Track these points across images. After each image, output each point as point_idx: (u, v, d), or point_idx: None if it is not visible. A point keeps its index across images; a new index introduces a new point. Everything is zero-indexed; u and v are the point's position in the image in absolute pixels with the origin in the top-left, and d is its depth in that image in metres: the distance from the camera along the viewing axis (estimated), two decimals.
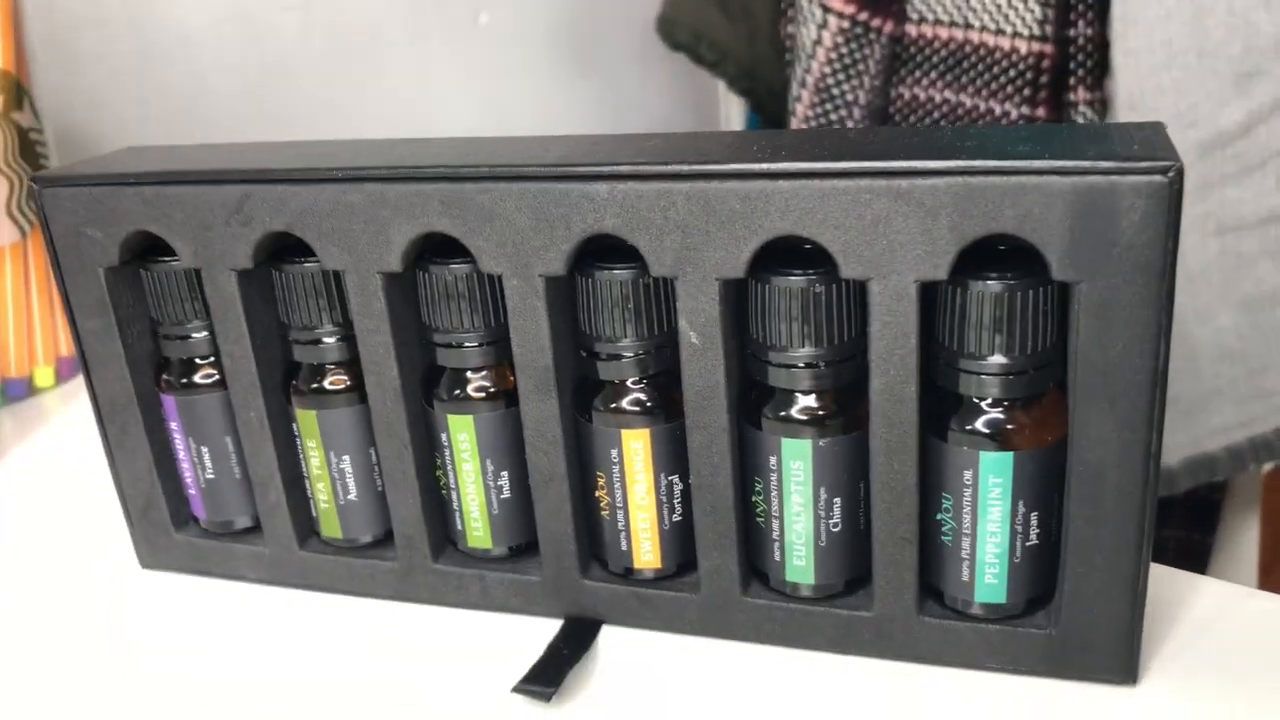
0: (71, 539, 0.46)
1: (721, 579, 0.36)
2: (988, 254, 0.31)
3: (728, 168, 0.31)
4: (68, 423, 0.58)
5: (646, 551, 0.37)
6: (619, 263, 0.34)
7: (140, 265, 0.39)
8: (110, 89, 0.77)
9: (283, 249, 0.37)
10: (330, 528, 0.40)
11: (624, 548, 0.37)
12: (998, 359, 0.31)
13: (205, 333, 0.39)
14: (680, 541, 0.37)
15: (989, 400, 0.32)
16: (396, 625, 0.39)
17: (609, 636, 0.38)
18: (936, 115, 0.99)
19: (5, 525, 0.48)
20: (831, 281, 0.32)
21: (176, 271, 0.38)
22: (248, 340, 0.38)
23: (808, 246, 0.31)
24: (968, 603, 0.34)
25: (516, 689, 0.34)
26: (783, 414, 0.34)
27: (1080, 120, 0.92)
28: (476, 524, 0.38)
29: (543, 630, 0.38)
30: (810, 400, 0.33)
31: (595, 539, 0.38)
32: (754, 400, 0.34)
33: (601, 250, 0.34)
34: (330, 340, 0.37)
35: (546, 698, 0.34)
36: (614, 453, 0.35)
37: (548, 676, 0.35)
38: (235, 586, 0.42)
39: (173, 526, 0.42)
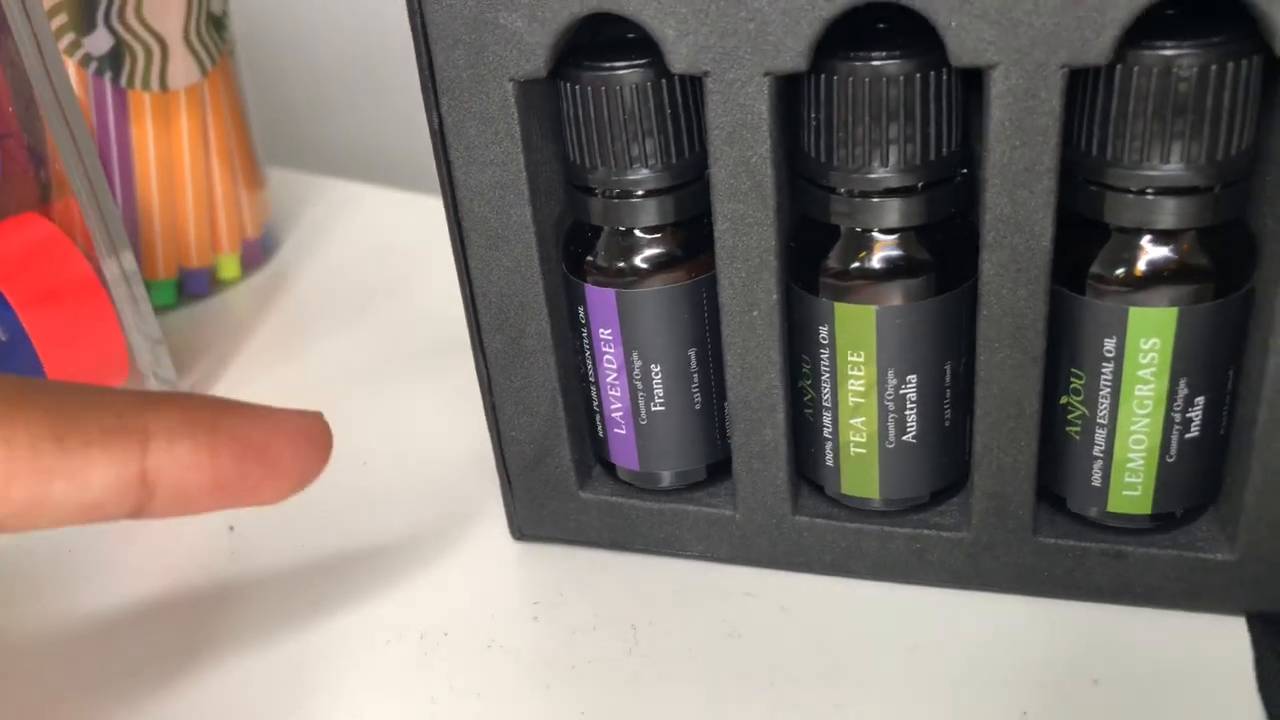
0: (362, 502, 0.33)
1: None
2: None
3: None
4: (275, 333, 0.43)
5: None
6: None
7: (564, 77, 0.24)
8: None
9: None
10: (858, 483, 0.26)
11: None
12: None
13: (668, 186, 0.25)
14: None
15: None
16: (982, 629, 0.26)
17: None
18: None
19: None
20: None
21: (637, 84, 0.24)
22: (771, 190, 0.23)
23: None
24: None
25: None
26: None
27: None
28: (1133, 479, 0.24)
29: (1190, 630, 0.25)
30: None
31: None
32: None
33: None
34: (901, 191, 0.23)
35: None
36: None
37: None
38: (662, 566, 0.28)
39: (576, 482, 0.29)
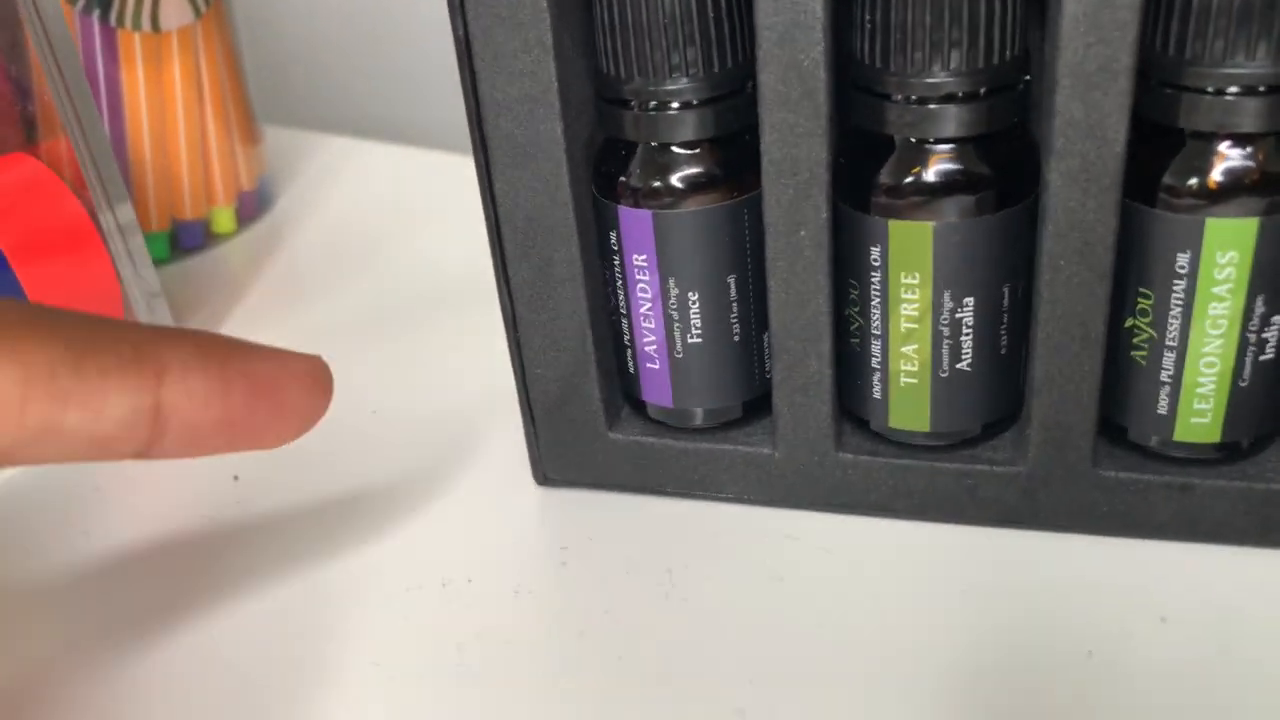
0: (373, 451, 0.31)
1: None
2: None
3: None
4: (272, 286, 0.42)
5: None
6: None
7: None
8: None
9: None
10: (907, 415, 0.25)
11: None
12: None
13: (709, 98, 0.23)
14: None
15: None
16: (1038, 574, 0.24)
17: None
18: None
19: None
20: None
21: None
22: (824, 98, 0.22)
23: None
24: None
25: None
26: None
27: None
28: (1203, 406, 0.23)
29: (1261, 566, 0.24)
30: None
31: None
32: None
33: None
34: (963, 97, 0.22)
35: None
36: None
37: None
38: (696, 510, 0.27)
39: (605, 421, 0.27)
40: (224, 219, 0.44)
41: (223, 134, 0.43)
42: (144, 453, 0.19)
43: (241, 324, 0.39)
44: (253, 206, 0.45)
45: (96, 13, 0.38)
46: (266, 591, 0.26)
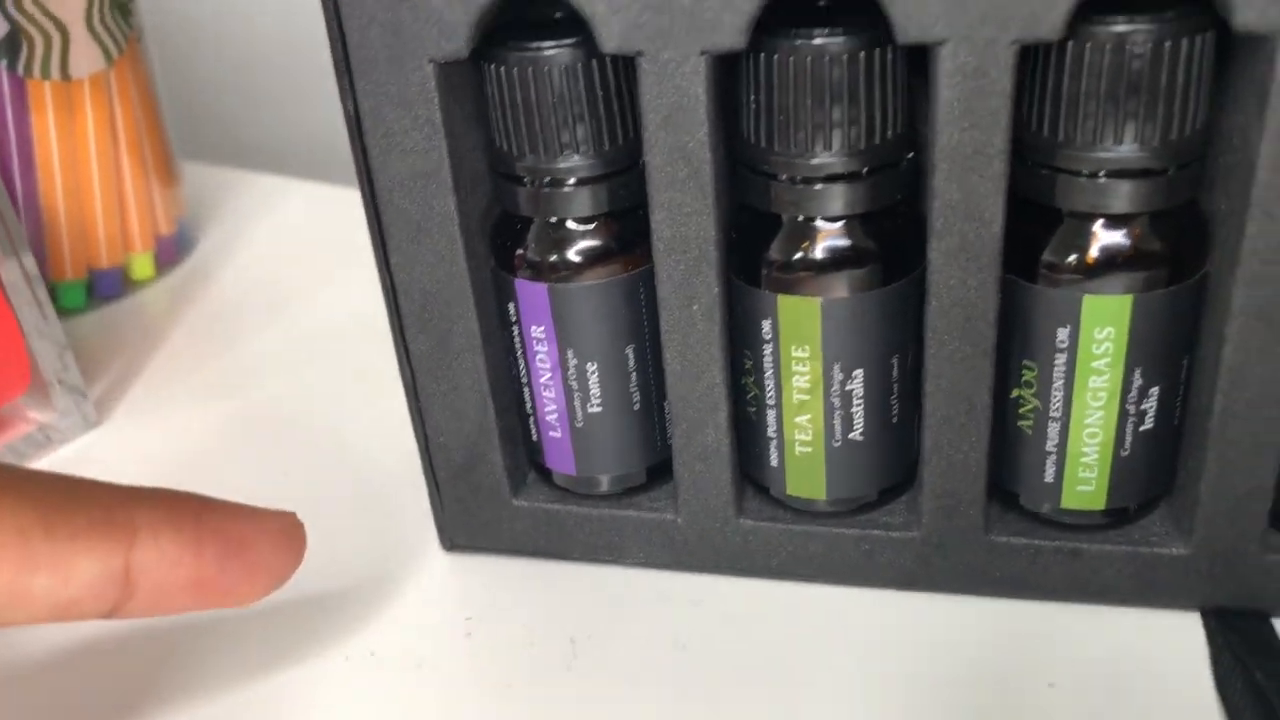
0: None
1: None
2: None
3: None
4: (191, 334, 0.41)
5: None
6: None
7: (488, 58, 0.23)
8: None
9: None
10: (804, 483, 0.25)
11: None
12: None
13: (601, 174, 0.23)
14: None
15: None
16: (929, 633, 0.25)
17: None
18: None
19: None
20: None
21: (566, 65, 0.22)
22: (710, 178, 0.22)
23: None
24: None
25: None
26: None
27: None
28: (1087, 474, 0.23)
29: (1146, 628, 0.24)
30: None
31: None
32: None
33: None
34: (845, 177, 0.22)
35: None
36: None
37: None
38: (601, 575, 0.27)
39: (510, 488, 0.27)
40: (142, 265, 0.43)
41: (139, 179, 0.42)
42: (111, 614, 0.19)
43: (159, 373, 0.39)
44: (172, 251, 0.45)
45: (5, 62, 0.37)
46: (164, 667, 0.26)
